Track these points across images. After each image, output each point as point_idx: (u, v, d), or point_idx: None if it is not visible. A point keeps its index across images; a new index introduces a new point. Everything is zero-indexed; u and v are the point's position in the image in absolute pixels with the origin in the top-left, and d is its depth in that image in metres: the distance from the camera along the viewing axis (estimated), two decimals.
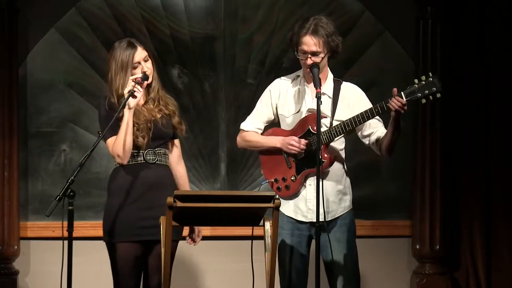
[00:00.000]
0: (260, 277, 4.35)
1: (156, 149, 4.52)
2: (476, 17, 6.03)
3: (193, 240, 4.70)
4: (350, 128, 4.49)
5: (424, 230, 6.01)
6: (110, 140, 4.45)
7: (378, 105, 4.43)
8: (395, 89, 4.40)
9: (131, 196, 4.46)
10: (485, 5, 6.02)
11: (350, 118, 4.47)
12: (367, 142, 4.63)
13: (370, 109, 4.45)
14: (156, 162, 4.52)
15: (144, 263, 4.50)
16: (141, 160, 4.50)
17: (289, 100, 4.65)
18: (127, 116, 4.40)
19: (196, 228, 4.68)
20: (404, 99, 4.37)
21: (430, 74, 4.41)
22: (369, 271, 5.93)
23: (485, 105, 6.05)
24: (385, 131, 4.55)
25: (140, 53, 4.52)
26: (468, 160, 6.06)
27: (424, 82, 4.38)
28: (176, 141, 4.67)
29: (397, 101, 4.36)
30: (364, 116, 4.45)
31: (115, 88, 4.50)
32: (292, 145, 4.53)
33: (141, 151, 4.50)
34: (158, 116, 4.54)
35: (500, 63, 6.02)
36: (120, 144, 4.41)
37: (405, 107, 4.38)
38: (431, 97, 4.38)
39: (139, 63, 4.51)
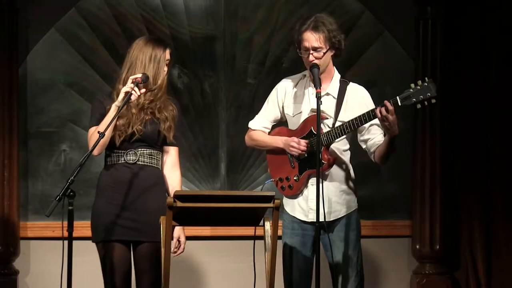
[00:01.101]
0: (261, 277, 4.35)
1: (139, 149, 4.52)
2: (476, 17, 6.03)
3: (173, 252, 4.57)
4: (348, 130, 4.49)
5: (424, 230, 6.01)
6: (91, 129, 4.50)
7: (374, 108, 4.43)
8: (386, 101, 4.36)
9: (110, 196, 4.51)
10: (485, 5, 6.02)
11: (349, 121, 4.47)
12: (363, 146, 4.65)
13: (368, 112, 4.44)
14: (137, 162, 4.52)
15: (134, 264, 4.53)
16: (121, 160, 4.52)
17: (294, 99, 4.66)
18: (113, 112, 4.40)
19: (178, 239, 4.61)
20: (399, 103, 4.34)
21: (426, 79, 4.38)
22: (369, 271, 5.93)
23: (485, 105, 6.05)
24: (382, 139, 4.56)
25: (167, 55, 4.57)
26: (468, 160, 6.06)
27: (419, 87, 4.35)
28: (171, 149, 4.63)
29: (383, 109, 4.31)
30: (362, 119, 4.45)
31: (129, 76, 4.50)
32: (292, 146, 4.55)
33: (122, 151, 4.51)
34: (146, 118, 4.53)
35: (500, 63, 6.02)
36: (94, 135, 4.41)
37: (390, 116, 4.31)
38: (426, 102, 4.35)
39: (164, 61, 4.56)
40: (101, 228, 4.49)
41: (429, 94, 4.34)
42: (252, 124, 4.77)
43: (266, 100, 4.76)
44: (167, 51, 4.57)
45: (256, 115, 4.78)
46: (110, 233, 4.47)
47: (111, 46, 5.95)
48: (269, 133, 4.75)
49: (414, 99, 4.35)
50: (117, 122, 4.45)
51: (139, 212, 4.45)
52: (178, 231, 4.58)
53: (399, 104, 4.36)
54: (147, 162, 4.54)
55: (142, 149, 4.53)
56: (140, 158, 4.52)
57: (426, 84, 4.35)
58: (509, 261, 6.00)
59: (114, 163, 4.53)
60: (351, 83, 4.66)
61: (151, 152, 4.55)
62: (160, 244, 4.34)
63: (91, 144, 4.42)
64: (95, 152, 4.43)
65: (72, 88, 5.97)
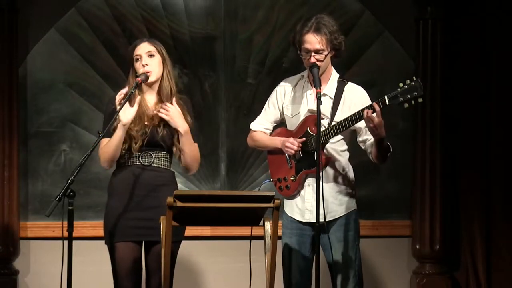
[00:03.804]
0: (261, 277, 4.35)
1: (154, 152, 4.52)
2: (476, 17, 6.03)
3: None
4: (340, 130, 4.48)
5: (424, 230, 6.01)
6: (102, 141, 4.48)
7: (365, 107, 4.41)
8: (374, 103, 4.36)
9: (125, 197, 4.47)
10: (485, 5, 6.02)
11: (342, 120, 4.48)
12: (363, 147, 4.66)
13: (359, 111, 4.43)
14: (152, 164, 4.51)
15: (145, 264, 4.50)
16: (136, 162, 4.50)
17: (293, 100, 4.67)
18: (118, 133, 4.41)
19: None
20: (387, 102, 4.33)
21: (414, 77, 4.37)
22: (369, 271, 5.93)
23: (485, 105, 6.05)
24: None
25: (144, 47, 4.53)
26: (468, 160, 6.06)
27: (407, 86, 4.34)
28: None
29: (369, 110, 4.32)
30: (353, 119, 4.44)
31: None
32: (287, 146, 4.56)
33: (138, 153, 4.49)
34: (162, 124, 4.52)
35: (500, 63, 6.02)
36: (106, 152, 4.46)
37: (376, 116, 4.29)
38: (413, 101, 4.34)
39: (140, 56, 4.51)
40: (115, 230, 4.45)
41: (416, 93, 4.32)
42: (253, 125, 4.79)
43: (267, 102, 4.77)
44: (142, 44, 4.54)
45: (258, 116, 4.79)
46: (124, 234, 4.44)
47: (111, 46, 5.95)
48: (270, 134, 4.76)
49: (401, 98, 4.34)
50: (132, 130, 4.46)
51: (152, 212, 4.41)
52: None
53: (387, 103, 4.35)
54: (161, 165, 4.53)
55: (157, 152, 4.53)
56: (155, 161, 4.52)
57: (414, 83, 4.34)
58: (509, 261, 6.00)
59: (129, 164, 4.50)
60: (349, 83, 4.66)
61: (165, 155, 4.55)
62: (173, 244, 4.36)
63: (100, 156, 4.46)
64: (106, 166, 4.49)
65: (72, 88, 5.97)
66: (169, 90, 4.56)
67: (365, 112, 4.35)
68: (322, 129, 4.53)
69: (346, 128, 4.48)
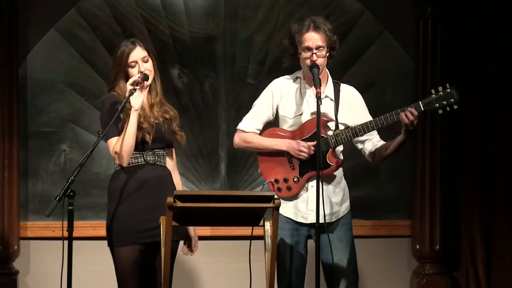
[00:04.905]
0: (260, 277, 4.35)
1: (155, 150, 4.50)
2: (476, 17, 6.04)
3: (190, 250, 4.65)
4: (362, 133, 4.52)
5: (424, 230, 6.01)
6: (111, 141, 4.42)
7: (393, 112, 4.46)
8: (410, 108, 4.45)
9: (133, 198, 4.42)
10: (485, 5, 6.02)
11: (363, 124, 4.51)
12: (360, 147, 4.67)
13: (385, 116, 4.49)
14: (156, 163, 4.50)
15: (150, 264, 4.47)
16: (141, 161, 4.48)
17: (291, 101, 4.65)
18: (133, 118, 4.37)
19: (193, 238, 4.64)
20: (422, 108, 4.43)
21: (448, 85, 4.49)
22: (369, 271, 5.93)
23: (485, 105, 6.06)
24: (379, 140, 4.61)
25: (138, 52, 4.50)
26: (468, 160, 6.06)
27: (441, 93, 4.47)
28: (172, 149, 4.62)
29: (409, 113, 4.42)
30: (378, 123, 4.49)
31: (110, 85, 4.53)
32: (301, 151, 4.53)
33: (141, 152, 4.48)
34: (161, 120, 4.52)
35: (500, 63, 6.02)
36: (123, 146, 4.37)
37: (415, 121, 4.43)
38: (448, 108, 4.47)
39: (136, 62, 4.49)
40: (124, 233, 4.39)
41: (453, 100, 4.47)
42: (243, 126, 4.71)
43: (259, 102, 4.71)
44: (136, 49, 4.50)
45: (246, 117, 4.72)
46: (134, 238, 4.38)
47: (111, 46, 5.93)
48: (260, 134, 4.72)
49: (437, 105, 4.48)
50: (143, 125, 4.44)
51: (158, 212, 4.33)
52: (194, 231, 4.62)
53: (422, 109, 4.47)
54: (162, 163, 4.52)
55: (158, 150, 4.51)
56: (157, 159, 4.51)
57: (449, 90, 4.47)
58: (509, 261, 6.00)
59: (132, 164, 4.45)
60: (342, 84, 4.68)
61: (163, 153, 4.54)
62: (176, 243, 4.38)
63: (115, 154, 4.38)
64: (124, 163, 4.39)
65: (72, 88, 5.97)
66: (157, 89, 4.57)
67: (404, 116, 4.42)
68: (330, 132, 4.54)
69: (368, 131, 4.53)
